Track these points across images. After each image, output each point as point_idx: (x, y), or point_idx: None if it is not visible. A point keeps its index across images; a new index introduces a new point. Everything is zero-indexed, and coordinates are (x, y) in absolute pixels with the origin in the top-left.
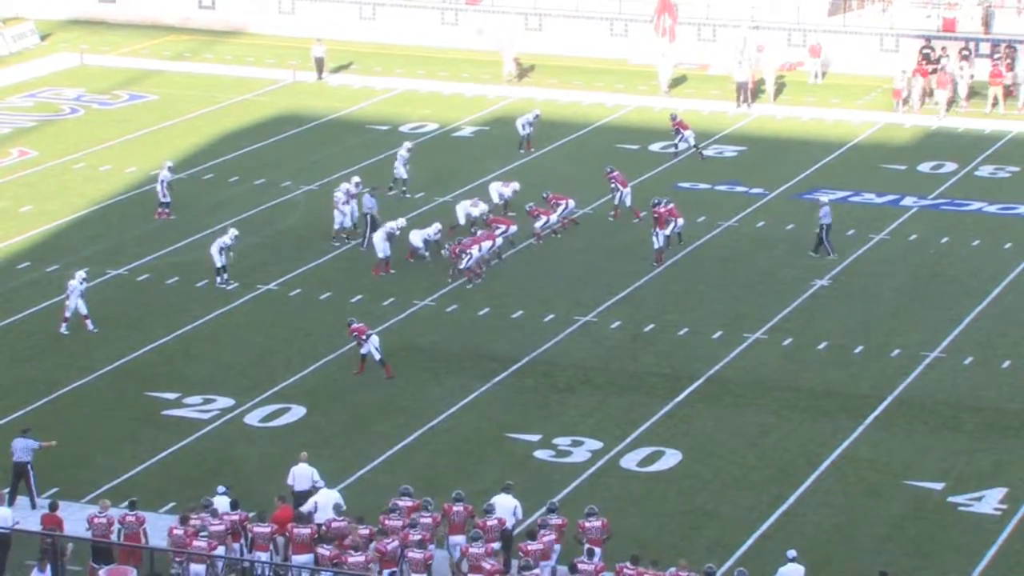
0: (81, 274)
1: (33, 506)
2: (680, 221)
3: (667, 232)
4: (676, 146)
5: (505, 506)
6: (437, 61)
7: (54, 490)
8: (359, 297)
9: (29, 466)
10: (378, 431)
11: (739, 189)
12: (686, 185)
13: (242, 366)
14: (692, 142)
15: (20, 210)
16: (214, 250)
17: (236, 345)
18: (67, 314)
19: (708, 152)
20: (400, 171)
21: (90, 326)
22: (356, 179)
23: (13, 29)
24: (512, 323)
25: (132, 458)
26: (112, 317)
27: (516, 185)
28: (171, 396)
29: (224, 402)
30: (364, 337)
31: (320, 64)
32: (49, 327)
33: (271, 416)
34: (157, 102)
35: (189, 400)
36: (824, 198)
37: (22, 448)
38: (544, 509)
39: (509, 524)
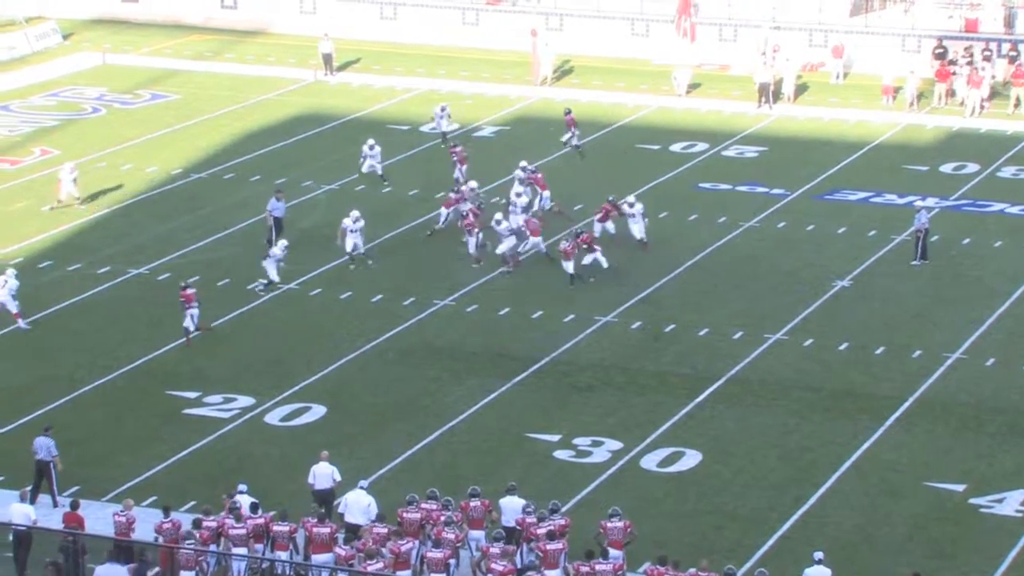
0: (12, 271)
1: (55, 504)
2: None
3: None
4: (570, 143)
5: (513, 507)
6: (458, 61)
7: (75, 489)
8: (379, 297)
9: (52, 465)
10: (398, 430)
11: (760, 190)
12: (707, 185)
13: (262, 365)
14: (575, 142)
15: (42, 209)
16: (269, 264)
17: (257, 344)
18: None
19: (729, 153)
20: (375, 167)
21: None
22: (355, 212)
23: (36, 28)
24: (532, 323)
25: (153, 457)
26: (133, 316)
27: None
28: (192, 395)
29: (244, 401)
30: (189, 304)
31: (328, 60)
32: (71, 325)
33: (291, 415)
34: (179, 101)
35: (209, 399)
36: (919, 203)
37: (44, 447)
38: (547, 511)
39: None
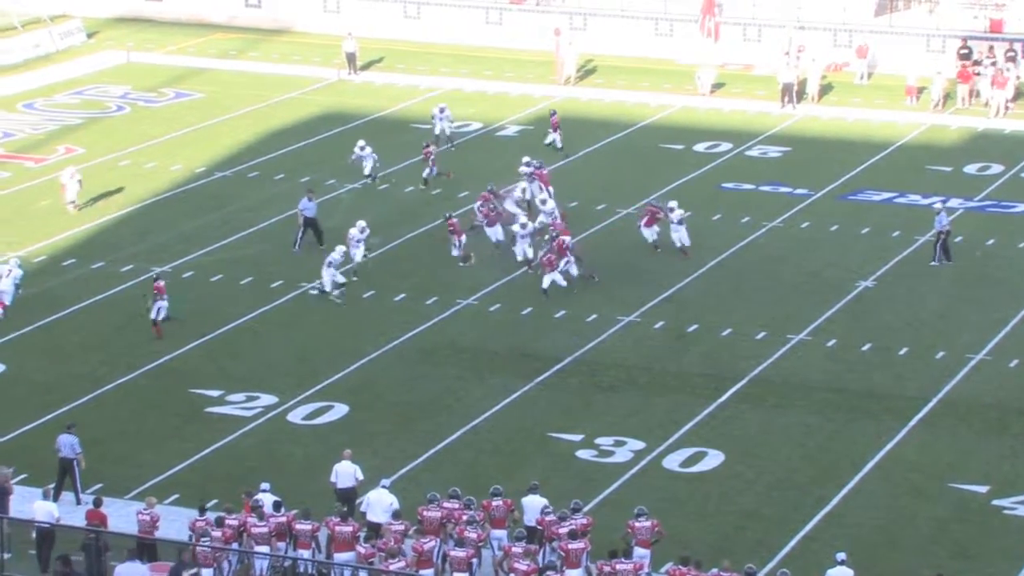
0: (15, 260)
1: (78, 502)
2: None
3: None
4: (554, 144)
5: (535, 506)
6: (482, 60)
7: (99, 486)
8: (402, 296)
9: (75, 462)
10: (421, 429)
11: (783, 190)
12: (730, 186)
13: (285, 364)
14: (559, 144)
15: (69, 211)
16: (327, 274)
17: (280, 343)
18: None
19: (753, 153)
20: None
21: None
22: (362, 223)
23: (60, 27)
24: (555, 322)
25: (176, 455)
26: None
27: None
28: (215, 393)
29: (267, 400)
30: (161, 297)
31: (352, 59)
32: (94, 324)
33: (314, 414)
34: (203, 100)
35: (232, 398)
36: (938, 204)
37: (67, 444)
38: (568, 510)
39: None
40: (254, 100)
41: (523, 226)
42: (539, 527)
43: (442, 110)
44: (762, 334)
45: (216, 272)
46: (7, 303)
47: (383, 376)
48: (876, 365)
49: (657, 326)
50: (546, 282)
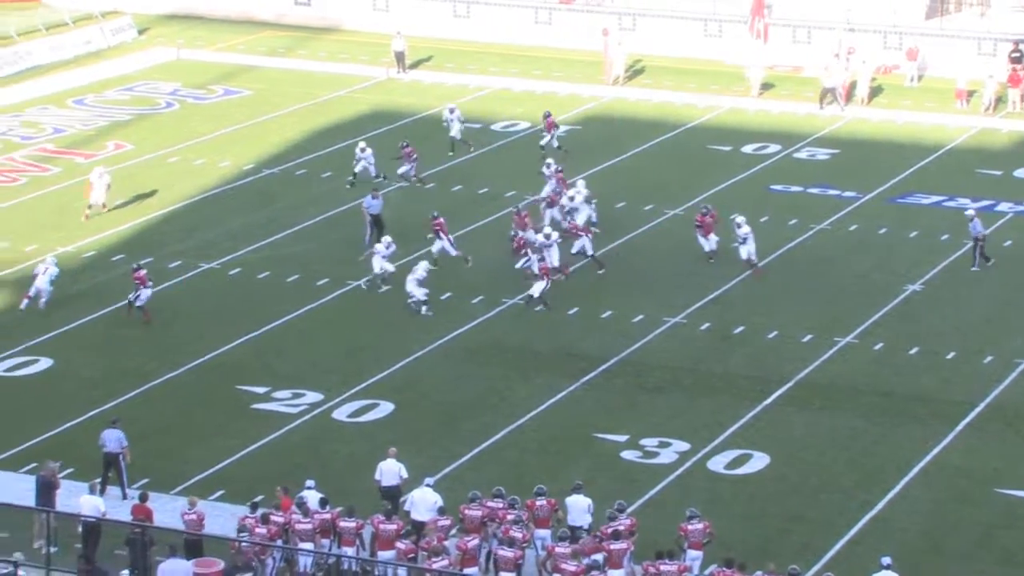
0: (52, 258)
1: (124, 496)
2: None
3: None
4: (550, 145)
5: (579, 506)
6: (530, 60)
7: (144, 481)
8: (448, 295)
9: (121, 457)
10: (466, 428)
11: (832, 192)
12: (778, 188)
13: (331, 361)
14: (555, 144)
15: (114, 202)
16: (411, 286)
17: (326, 340)
18: (31, 293)
19: (801, 155)
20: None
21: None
22: (388, 238)
23: (111, 23)
24: (601, 323)
25: (221, 451)
26: (203, 311)
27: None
28: (261, 390)
29: (313, 397)
30: (144, 286)
31: (400, 58)
32: (142, 319)
33: (359, 412)
34: (251, 97)
35: (278, 394)
36: (971, 211)
37: (112, 439)
38: (613, 511)
39: (584, 524)
40: (302, 98)
41: (547, 236)
42: (582, 528)
43: (452, 111)
44: (808, 336)
45: (263, 269)
46: (45, 298)
47: (428, 375)
48: (923, 369)
49: (703, 327)
50: (537, 290)
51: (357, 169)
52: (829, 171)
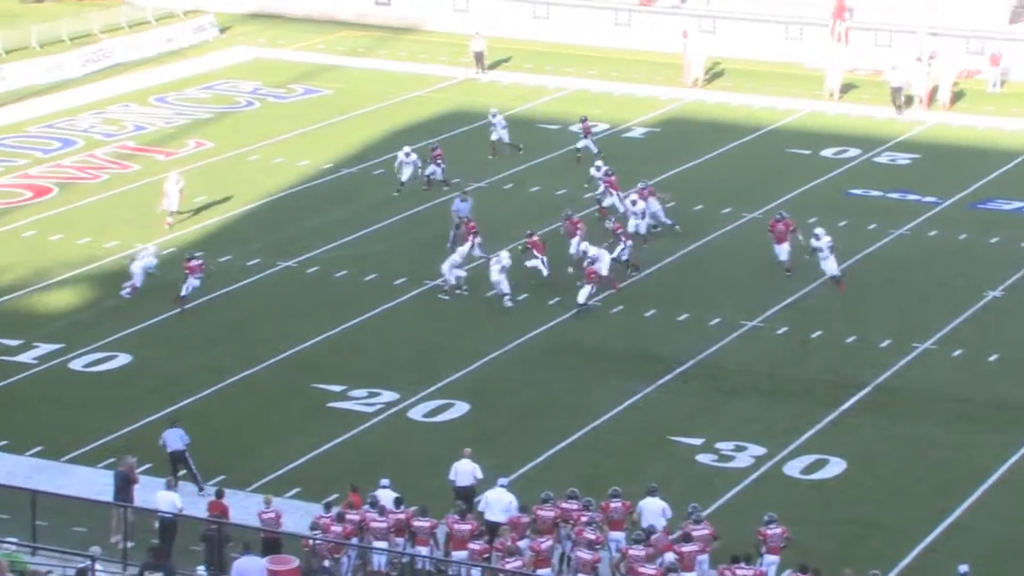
0: (153, 248)
1: (200, 489)
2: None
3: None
4: (587, 149)
5: (653, 509)
6: (609, 61)
7: (220, 478)
8: (525, 296)
9: (186, 453)
10: (541, 429)
11: (911, 197)
12: (857, 192)
13: (407, 361)
14: (594, 148)
15: (194, 200)
16: (496, 276)
17: (402, 339)
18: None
19: (881, 159)
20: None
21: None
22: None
23: (194, 21)
24: (678, 325)
25: (297, 449)
26: (281, 309)
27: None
28: (337, 388)
29: (389, 396)
30: (192, 275)
31: (479, 58)
32: (220, 316)
33: (435, 411)
34: (331, 96)
35: (354, 393)
36: None
37: (174, 437)
38: (690, 519)
39: (659, 526)
40: (381, 98)
41: (584, 253)
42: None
43: (495, 115)
44: (887, 342)
45: (340, 268)
46: (138, 285)
47: (504, 375)
48: (1003, 376)
49: (781, 331)
50: (583, 295)
51: (404, 177)
52: (909, 176)
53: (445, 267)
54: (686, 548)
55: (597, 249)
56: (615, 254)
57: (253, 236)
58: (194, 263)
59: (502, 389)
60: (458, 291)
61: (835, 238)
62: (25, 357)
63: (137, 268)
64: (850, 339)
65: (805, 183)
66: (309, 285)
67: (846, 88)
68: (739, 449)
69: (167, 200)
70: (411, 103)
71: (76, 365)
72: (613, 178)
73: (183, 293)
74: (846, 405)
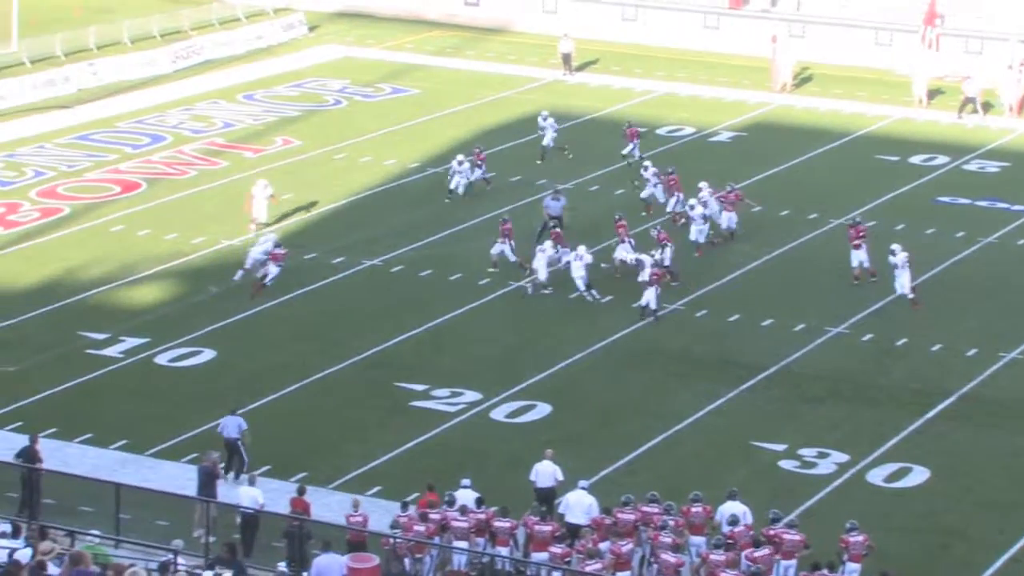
0: (273, 236)
1: (236, 478)
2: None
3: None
4: (632, 154)
5: (730, 514)
6: (698, 65)
7: (303, 475)
8: (610, 298)
9: (239, 443)
10: (623, 432)
11: (1000, 205)
12: (945, 199)
13: (490, 361)
14: (637, 153)
15: (282, 197)
16: (575, 272)
17: (486, 340)
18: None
19: (970, 167)
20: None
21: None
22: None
23: (283, 19)
24: (762, 331)
25: (379, 447)
26: (365, 307)
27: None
28: (419, 388)
29: (471, 396)
30: (276, 263)
31: (567, 59)
32: (305, 313)
33: (517, 412)
34: (419, 96)
35: (437, 392)
36: None
37: (232, 425)
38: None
39: (728, 529)
40: (469, 98)
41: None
42: (730, 539)
43: (545, 117)
44: (973, 351)
45: (425, 267)
46: (247, 266)
47: (587, 377)
48: None
49: (865, 339)
50: (645, 299)
51: (452, 185)
52: (998, 184)
53: (538, 263)
54: (757, 554)
55: (635, 254)
56: (659, 259)
57: (338, 234)
58: (279, 252)
59: (584, 391)
60: (544, 290)
61: (922, 246)
62: (111, 351)
63: (256, 253)
64: (935, 347)
65: (893, 190)
66: (393, 284)
67: (934, 94)
68: (822, 456)
69: (254, 207)
70: (498, 104)
71: (161, 360)
72: (675, 177)
73: (265, 281)
74: (931, 413)
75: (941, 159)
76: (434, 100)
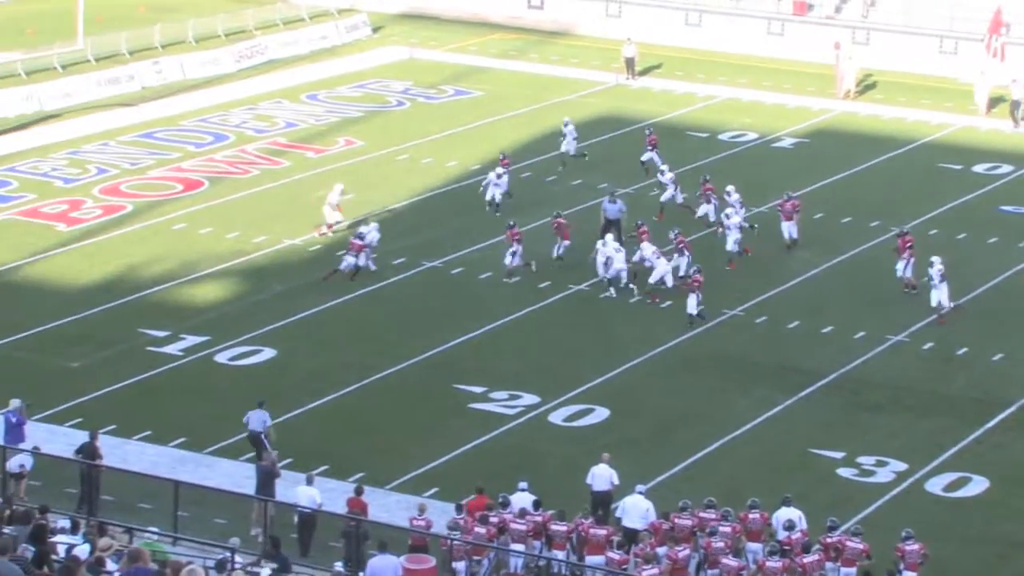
0: (375, 224)
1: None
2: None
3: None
4: (651, 162)
5: (785, 520)
6: (761, 70)
7: (360, 475)
8: (669, 303)
9: (262, 435)
10: (680, 438)
11: None
12: (1009, 208)
13: (549, 364)
14: (657, 160)
15: (343, 199)
16: (662, 272)
17: (545, 343)
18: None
19: None
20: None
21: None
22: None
23: (347, 20)
24: (822, 338)
25: (437, 449)
26: (425, 309)
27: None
28: (478, 390)
29: (530, 399)
30: (356, 253)
31: (630, 64)
32: (365, 314)
33: (575, 416)
34: (481, 98)
35: (495, 395)
36: None
37: (257, 419)
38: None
39: (784, 536)
40: (531, 101)
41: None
42: (786, 546)
43: (567, 124)
44: None
45: (485, 270)
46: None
47: (646, 382)
48: None
49: (926, 347)
50: (692, 305)
51: (488, 197)
52: None
53: (605, 264)
54: (807, 559)
55: (649, 253)
56: (673, 265)
57: (399, 235)
58: (358, 242)
59: (643, 396)
60: (608, 292)
61: (984, 255)
62: (172, 348)
63: (373, 239)
64: (996, 356)
65: (956, 198)
66: (453, 286)
67: (996, 103)
68: (880, 464)
69: (328, 211)
70: (561, 107)
71: (221, 358)
72: (710, 185)
73: (341, 267)
74: (991, 423)
75: (1005, 168)
76: (496, 102)
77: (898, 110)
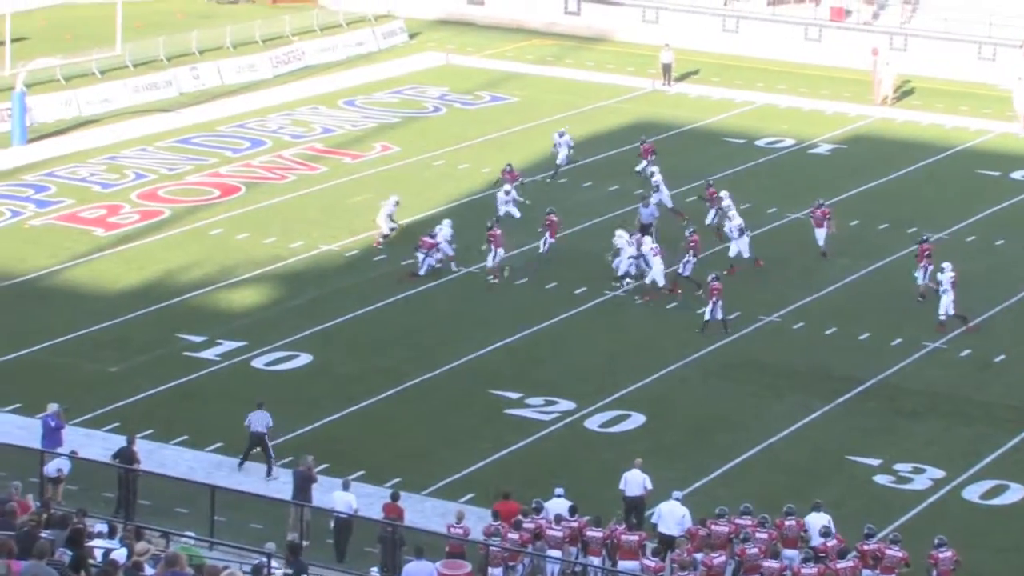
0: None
1: (269, 474)
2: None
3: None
4: (645, 172)
5: (815, 525)
6: (798, 77)
7: (396, 480)
8: (704, 310)
9: (265, 436)
10: (716, 444)
11: None
12: None
13: (585, 370)
14: (651, 170)
15: (380, 203)
16: (655, 273)
17: (581, 349)
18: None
19: None
20: (508, 211)
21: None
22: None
23: (384, 27)
24: (859, 344)
25: (472, 454)
26: (461, 314)
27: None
28: (514, 396)
29: (566, 405)
30: (426, 251)
31: (667, 70)
32: (401, 319)
33: (611, 422)
34: (517, 104)
35: (531, 401)
36: None
37: (258, 420)
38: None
39: (819, 542)
40: (567, 106)
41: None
42: (821, 554)
43: (562, 134)
44: None
45: (521, 275)
46: (450, 253)
47: (682, 388)
48: None
49: (963, 354)
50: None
51: (501, 214)
52: None
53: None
54: (841, 565)
55: (646, 250)
56: (677, 267)
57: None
58: (430, 240)
59: (679, 402)
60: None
61: (1021, 262)
62: (208, 353)
63: (445, 235)
64: None
65: (993, 205)
66: (489, 292)
67: None
68: (917, 471)
69: (382, 221)
70: (597, 113)
71: (258, 363)
72: (712, 190)
73: (420, 272)
74: None
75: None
76: (532, 109)
77: (936, 116)
